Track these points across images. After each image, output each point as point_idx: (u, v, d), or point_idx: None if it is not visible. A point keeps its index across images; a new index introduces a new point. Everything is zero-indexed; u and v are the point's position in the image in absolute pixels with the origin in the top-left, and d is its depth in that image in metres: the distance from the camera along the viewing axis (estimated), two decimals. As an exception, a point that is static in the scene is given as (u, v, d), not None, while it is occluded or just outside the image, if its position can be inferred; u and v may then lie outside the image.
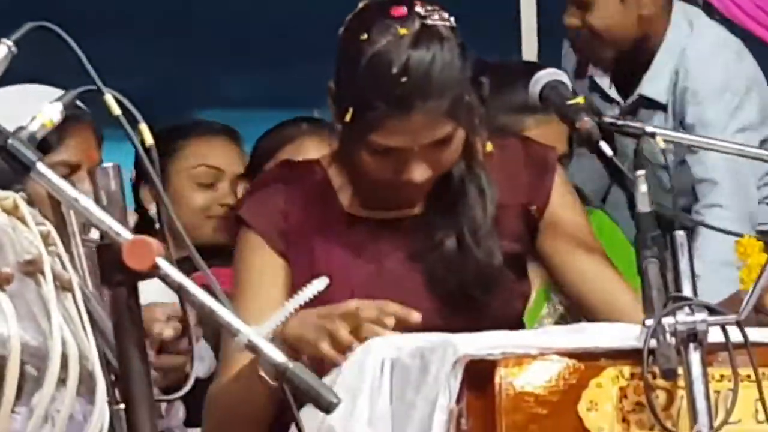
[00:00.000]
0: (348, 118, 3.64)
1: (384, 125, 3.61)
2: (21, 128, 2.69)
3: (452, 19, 3.84)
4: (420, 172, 3.60)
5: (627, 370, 2.98)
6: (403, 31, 3.64)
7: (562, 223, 3.62)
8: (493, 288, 3.70)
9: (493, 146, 3.70)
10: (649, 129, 3.41)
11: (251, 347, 2.60)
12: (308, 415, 2.92)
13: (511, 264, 3.71)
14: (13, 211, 2.48)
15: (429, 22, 3.73)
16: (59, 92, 2.83)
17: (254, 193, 3.95)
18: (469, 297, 3.69)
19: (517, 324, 3.64)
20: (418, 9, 3.77)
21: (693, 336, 2.91)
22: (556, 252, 3.77)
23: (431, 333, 3.25)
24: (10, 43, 2.77)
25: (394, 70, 3.64)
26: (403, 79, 3.66)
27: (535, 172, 3.53)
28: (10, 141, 2.62)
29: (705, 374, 2.91)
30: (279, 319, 2.86)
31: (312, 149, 4.66)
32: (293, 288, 3.57)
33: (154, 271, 2.56)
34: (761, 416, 2.96)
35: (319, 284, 3.17)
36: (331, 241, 3.78)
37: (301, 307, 3.29)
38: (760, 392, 2.96)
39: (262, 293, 3.70)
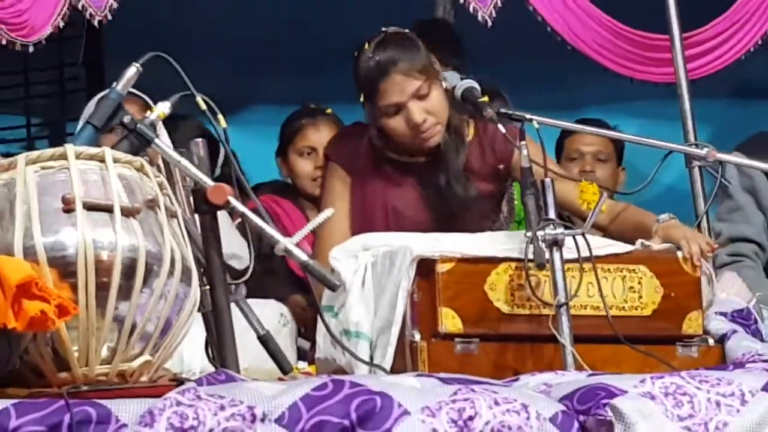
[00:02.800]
0: (362, 100, 3.68)
1: (380, 91, 3.63)
2: (145, 117, 2.78)
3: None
4: (417, 114, 3.58)
5: (514, 264, 3.01)
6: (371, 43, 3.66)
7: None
8: (467, 208, 3.69)
9: (476, 127, 3.68)
10: (528, 116, 3.25)
11: (287, 251, 2.68)
12: (330, 296, 3.08)
13: (486, 198, 3.69)
14: (140, 169, 2.52)
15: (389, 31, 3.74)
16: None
17: (333, 141, 3.94)
18: (452, 214, 3.66)
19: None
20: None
21: (555, 242, 2.94)
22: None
23: (435, 234, 3.30)
24: (138, 65, 2.78)
25: (369, 55, 3.67)
26: (377, 57, 3.68)
27: (501, 145, 3.46)
28: (138, 125, 2.72)
29: (562, 266, 2.94)
30: (302, 234, 2.93)
31: (311, 133, 4.48)
32: (354, 198, 3.73)
33: (226, 205, 2.67)
34: (591, 292, 2.96)
35: (328, 212, 3.26)
36: (374, 169, 3.75)
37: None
38: (598, 278, 2.96)
39: (335, 204, 3.62)
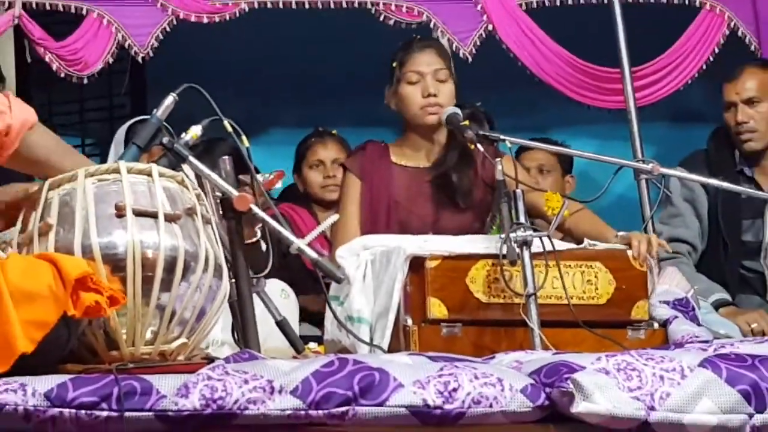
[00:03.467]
0: (395, 65, 3.67)
1: (412, 58, 3.65)
2: (180, 138, 2.75)
3: None
4: (432, 87, 3.58)
5: (490, 261, 3.00)
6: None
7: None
8: (464, 208, 3.64)
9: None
10: (501, 136, 3.28)
11: (300, 250, 2.67)
12: (336, 287, 3.07)
13: (477, 205, 3.63)
14: (181, 182, 2.53)
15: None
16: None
17: (350, 154, 3.90)
18: (453, 214, 3.63)
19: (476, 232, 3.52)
20: None
21: (525, 242, 2.94)
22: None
23: (424, 236, 3.30)
24: (174, 95, 2.76)
25: (415, 35, 3.77)
26: (419, 37, 3.79)
27: (487, 163, 3.35)
28: (175, 145, 2.71)
29: (531, 263, 2.93)
30: (313, 236, 2.93)
31: (320, 150, 4.43)
32: (363, 198, 3.68)
33: (248, 211, 2.65)
34: (555, 284, 2.96)
35: (333, 218, 3.24)
36: (381, 173, 3.70)
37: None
38: (562, 273, 2.98)
39: (347, 216, 3.63)
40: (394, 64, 3.70)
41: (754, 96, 3.85)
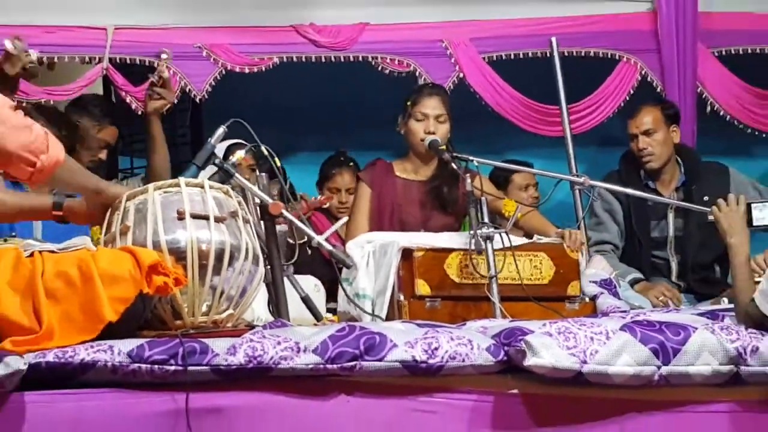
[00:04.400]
0: (409, 103, 3.62)
1: (421, 101, 3.60)
2: (228, 159, 2.75)
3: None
4: (432, 126, 3.55)
5: (462, 252, 2.98)
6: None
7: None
8: (449, 212, 3.60)
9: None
10: (471, 157, 3.25)
11: (319, 244, 2.71)
12: (346, 272, 3.04)
13: (459, 211, 3.56)
14: (226, 193, 2.50)
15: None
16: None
17: (364, 169, 3.81)
18: (440, 216, 3.58)
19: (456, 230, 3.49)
20: None
21: (488, 237, 2.92)
22: None
23: (413, 233, 3.31)
24: (224, 127, 2.76)
25: (427, 82, 3.83)
26: (431, 85, 3.81)
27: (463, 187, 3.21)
28: (225, 165, 2.71)
29: (493, 253, 2.92)
30: (328, 234, 2.94)
31: (338, 179, 4.37)
32: (372, 203, 3.63)
33: (281, 215, 2.65)
34: (511, 269, 2.95)
35: (343, 221, 3.24)
36: (386, 183, 3.64)
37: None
38: (516, 261, 2.97)
39: (358, 215, 3.60)
40: (408, 102, 3.65)
41: (650, 128, 3.86)
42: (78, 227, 2.74)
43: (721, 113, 4.51)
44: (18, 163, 2.23)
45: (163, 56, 3.50)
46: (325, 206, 4.33)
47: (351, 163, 4.40)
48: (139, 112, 4.11)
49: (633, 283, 3.68)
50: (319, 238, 2.76)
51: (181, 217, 2.36)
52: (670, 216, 3.85)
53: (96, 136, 3.63)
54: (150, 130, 3.66)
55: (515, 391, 2.24)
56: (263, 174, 2.83)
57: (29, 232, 3.24)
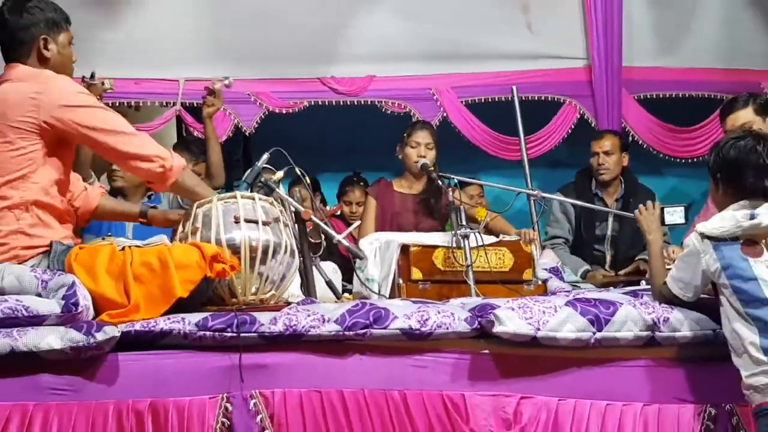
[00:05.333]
0: (405, 135, 3.61)
1: (414, 133, 3.59)
2: (271, 178, 2.70)
3: None
4: (423, 151, 3.53)
5: (446, 247, 2.93)
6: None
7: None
8: (436, 218, 3.57)
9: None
10: (452, 176, 3.14)
11: (338, 241, 2.69)
12: (359, 263, 2.98)
13: (442, 217, 3.54)
14: (270, 203, 2.44)
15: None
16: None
17: (372, 185, 3.80)
18: (428, 220, 3.55)
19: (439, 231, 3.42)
20: None
21: (465, 236, 2.87)
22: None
23: (409, 232, 3.27)
24: (267, 154, 2.70)
25: (419, 120, 3.78)
26: (422, 122, 3.79)
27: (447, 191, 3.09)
28: (268, 182, 2.67)
29: (468, 248, 2.87)
30: (345, 234, 2.90)
31: (351, 195, 4.32)
32: (376, 211, 3.60)
33: (310, 218, 2.64)
34: (482, 260, 2.88)
35: (356, 225, 3.23)
36: (387, 196, 3.62)
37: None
38: (486, 253, 2.91)
39: (367, 220, 3.58)
40: (404, 134, 3.64)
41: (609, 150, 3.88)
42: (158, 229, 2.73)
43: (640, 142, 4.51)
44: (156, 161, 2.25)
45: (226, 81, 3.52)
46: (337, 213, 4.33)
47: (362, 183, 4.37)
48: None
49: (584, 274, 3.65)
50: (338, 237, 2.74)
51: (236, 221, 2.34)
52: (610, 220, 3.84)
53: (193, 169, 3.59)
54: (205, 131, 3.56)
55: (486, 351, 2.23)
56: (298, 188, 2.82)
57: (122, 232, 3.25)
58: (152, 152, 2.28)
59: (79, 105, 2.21)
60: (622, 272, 3.60)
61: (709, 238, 2.12)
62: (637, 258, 3.63)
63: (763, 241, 2.10)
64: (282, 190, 2.71)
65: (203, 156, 3.69)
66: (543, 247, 3.59)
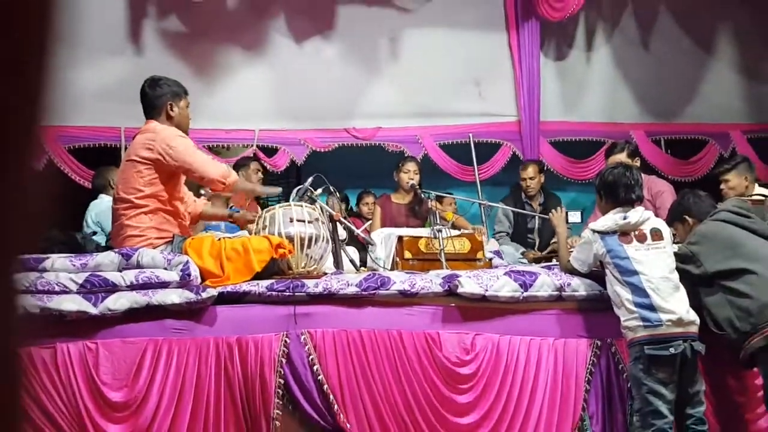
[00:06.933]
0: (400, 165, 3.53)
1: (405, 164, 3.51)
2: (314, 193, 2.62)
3: None
4: (413, 175, 3.43)
5: (427, 237, 2.75)
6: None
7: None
8: (420, 219, 3.46)
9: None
10: (430, 191, 2.96)
11: (357, 234, 2.63)
12: (371, 247, 2.87)
13: (424, 218, 3.39)
14: (313, 208, 2.37)
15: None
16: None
17: (377, 198, 3.75)
18: (414, 221, 3.46)
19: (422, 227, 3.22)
20: None
21: (440, 230, 2.71)
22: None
23: (403, 228, 3.10)
24: (312, 178, 2.60)
25: (407, 157, 3.64)
26: (410, 157, 3.66)
27: (427, 201, 3.05)
28: (312, 194, 2.60)
29: (441, 238, 2.63)
30: (362, 229, 2.86)
31: (365, 197, 4.21)
32: (381, 215, 3.46)
33: (339, 220, 2.59)
34: (451, 246, 2.62)
35: (367, 224, 3.17)
36: (388, 206, 3.53)
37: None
38: (453, 241, 2.79)
39: (376, 221, 3.47)
40: (400, 164, 3.59)
41: (532, 176, 3.75)
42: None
43: (552, 170, 4.48)
44: (217, 182, 2.24)
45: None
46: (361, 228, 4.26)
47: (371, 194, 4.33)
48: (270, 170, 4.09)
49: (522, 253, 3.59)
50: (358, 231, 2.73)
51: (291, 221, 2.32)
52: (536, 218, 3.77)
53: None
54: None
55: (453, 304, 2.18)
56: (335, 198, 2.79)
57: (218, 228, 3.23)
58: (215, 175, 2.22)
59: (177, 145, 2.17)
60: (544, 253, 3.55)
61: (598, 232, 2.11)
62: (552, 242, 3.60)
63: (632, 232, 2.08)
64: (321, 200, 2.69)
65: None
66: (489, 238, 3.58)
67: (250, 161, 3.71)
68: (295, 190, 2.63)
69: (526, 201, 3.90)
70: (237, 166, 3.34)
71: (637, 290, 2.00)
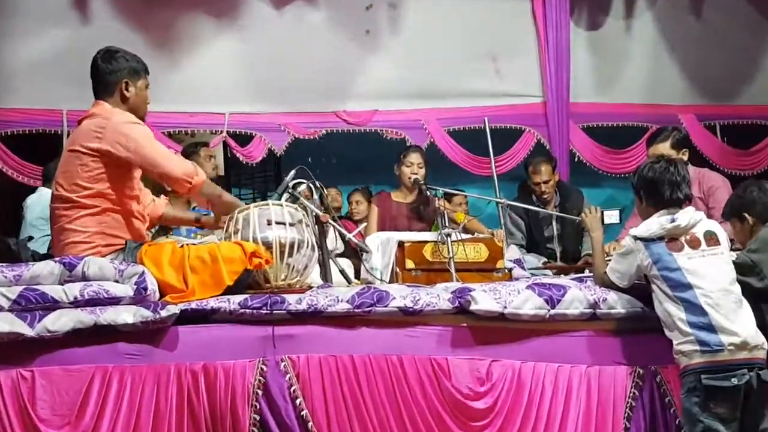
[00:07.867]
0: (402, 156, 3.52)
1: (408, 155, 3.50)
2: (296, 189, 2.61)
3: None
4: (416, 169, 3.45)
5: (433, 242, 2.76)
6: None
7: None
8: (425, 221, 3.46)
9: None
10: (438, 188, 2.98)
11: (349, 239, 2.66)
12: (366, 256, 2.92)
13: (429, 220, 3.43)
14: (295, 209, 2.41)
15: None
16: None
17: (375, 196, 3.77)
18: (418, 223, 3.45)
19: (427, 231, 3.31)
20: None
21: (449, 234, 2.73)
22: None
23: (404, 232, 3.17)
24: (294, 171, 2.60)
25: (410, 146, 3.64)
26: (414, 147, 3.67)
27: (433, 204, 3.15)
28: (294, 192, 2.59)
29: (451, 243, 2.70)
30: (355, 233, 2.87)
31: (353, 194, 4.28)
32: (379, 216, 3.49)
33: (327, 222, 2.57)
34: (462, 253, 2.71)
35: (361, 227, 3.20)
36: (387, 205, 3.52)
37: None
38: (464, 247, 2.73)
39: (372, 223, 3.48)
40: (402, 156, 3.58)
41: (546, 179, 3.72)
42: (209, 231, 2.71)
43: (584, 161, 4.49)
44: (182, 182, 2.22)
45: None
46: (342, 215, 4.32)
47: (363, 191, 4.33)
48: (244, 162, 4.11)
49: (545, 263, 3.60)
50: (349, 236, 2.72)
51: (269, 223, 2.32)
52: (554, 223, 3.75)
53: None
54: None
55: (464, 324, 2.19)
56: (317, 196, 2.79)
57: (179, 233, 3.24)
58: (180, 174, 2.22)
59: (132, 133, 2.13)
60: (578, 263, 3.50)
61: (641, 239, 2.08)
62: (583, 254, 3.56)
63: (683, 238, 2.06)
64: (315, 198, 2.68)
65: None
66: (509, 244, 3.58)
67: (200, 147, 3.63)
68: (280, 186, 2.61)
69: (538, 205, 3.83)
70: (185, 155, 3.33)
71: (692, 307, 1.94)
